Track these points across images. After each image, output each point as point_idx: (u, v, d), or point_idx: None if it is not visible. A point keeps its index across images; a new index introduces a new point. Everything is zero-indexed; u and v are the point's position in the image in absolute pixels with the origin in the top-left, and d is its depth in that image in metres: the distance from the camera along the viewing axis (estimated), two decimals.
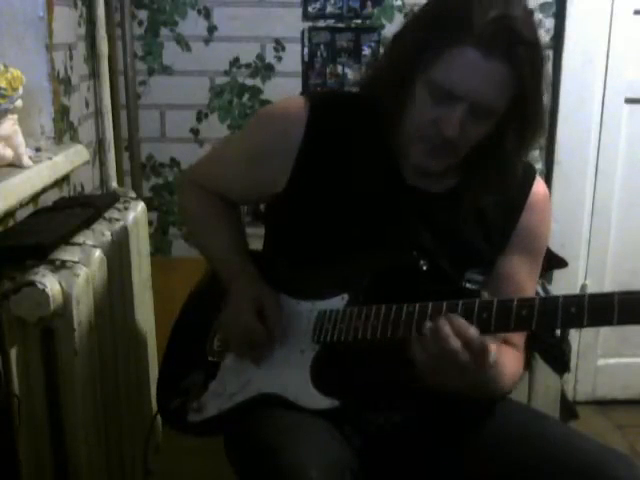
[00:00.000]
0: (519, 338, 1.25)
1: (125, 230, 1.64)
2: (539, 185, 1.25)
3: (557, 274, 2.28)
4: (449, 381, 1.03)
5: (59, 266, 1.27)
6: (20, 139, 1.40)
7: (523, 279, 1.23)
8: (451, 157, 1.16)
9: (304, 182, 1.22)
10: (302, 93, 1.29)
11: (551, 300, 0.98)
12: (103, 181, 2.07)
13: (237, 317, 1.24)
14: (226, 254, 1.33)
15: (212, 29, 2.16)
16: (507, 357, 1.18)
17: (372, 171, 1.19)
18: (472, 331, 0.99)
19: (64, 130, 1.70)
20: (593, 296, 0.95)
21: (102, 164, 2.08)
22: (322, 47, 2.18)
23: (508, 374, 1.16)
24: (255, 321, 1.21)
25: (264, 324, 1.21)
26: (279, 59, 2.19)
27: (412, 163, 1.17)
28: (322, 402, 1.14)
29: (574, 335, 2.34)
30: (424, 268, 1.16)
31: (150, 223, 2.17)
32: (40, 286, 1.20)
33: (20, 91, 1.38)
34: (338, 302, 1.18)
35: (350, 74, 2.19)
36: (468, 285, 1.18)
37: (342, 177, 1.20)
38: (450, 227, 1.19)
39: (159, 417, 1.40)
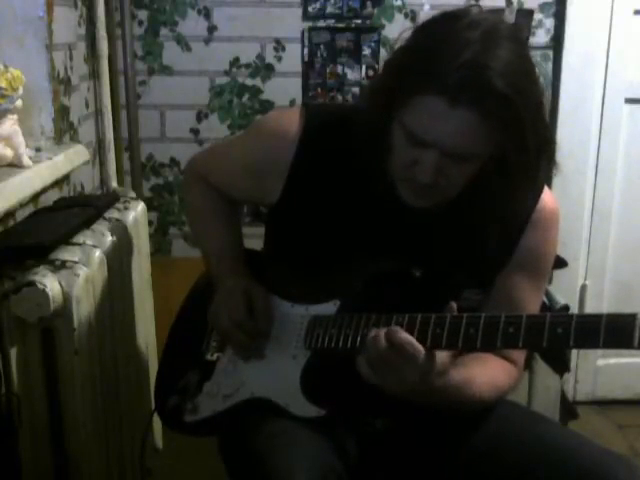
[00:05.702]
0: (518, 355, 1.22)
1: (125, 230, 1.64)
2: (546, 200, 1.18)
3: (557, 274, 2.27)
4: (391, 384, 1.01)
5: (59, 266, 1.27)
6: (20, 139, 1.40)
7: (525, 299, 1.19)
8: (440, 197, 1.10)
9: (297, 197, 1.22)
10: (303, 104, 1.27)
11: (538, 319, 0.95)
12: (103, 181, 2.07)
13: (226, 306, 1.24)
14: (221, 252, 1.34)
15: (212, 29, 2.16)
16: (486, 368, 1.14)
17: (367, 189, 1.16)
18: (402, 334, 0.98)
19: (64, 130, 1.70)
20: (581, 317, 0.92)
21: (102, 164, 2.08)
22: (322, 47, 2.18)
23: (482, 385, 1.12)
24: (244, 311, 1.22)
25: (252, 317, 1.23)
26: (279, 59, 2.19)
27: (403, 198, 1.12)
28: (310, 410, 1.14)
29: None
30: (417, 275, 1.14)
31: (150, 223, 2.17)
32: (40, 286, 1.20)
33: (20, 91, 1.38)
34: (330, 307, 1.18)
35: (350, 74, 2.20)
36: (465, 304, 1.14)
37: (336, 194, 1.19)
38: (447, 244, 1.16)
39: (158, 417, 1.40)
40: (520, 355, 1.23)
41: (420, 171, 1.05)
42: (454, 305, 1.02)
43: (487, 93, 0.96)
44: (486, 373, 1.14)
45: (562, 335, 0.92)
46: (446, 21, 1.03)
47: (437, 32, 1.02)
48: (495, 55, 0.97)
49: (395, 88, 1.04)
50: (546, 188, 1.19)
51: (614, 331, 0.89)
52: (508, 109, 0.98)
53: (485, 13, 1.05)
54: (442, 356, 1.00)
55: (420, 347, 0.98)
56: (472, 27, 0.99)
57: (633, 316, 0.88)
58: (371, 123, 1.10)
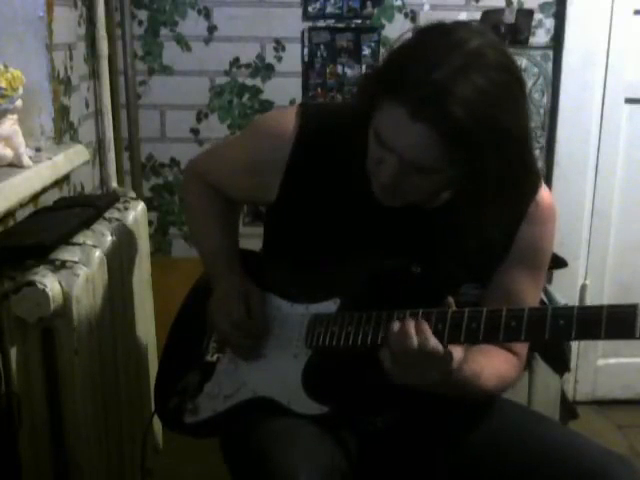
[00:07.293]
0: (521, 347, 1.22)
1: (125, 230, 1.64)
2: (542, 196, 1.18)
3: (557, 274, 2.28)
4: (410, 380, 1.03)
5: (59, 266, 1.27)
6: (20, 139, 1.40)
7: (524, 293, 1.19)
8: (406, 199, 1.11)
9: (294, 195, 1.23)
10: (300, 104, 1.29)
11: (540, 311, 0.97)
12: (103, 181, 2.08)
13: (225, 308, 1.25)
14: (216, 251, 1.35)
15: (212, 29, 2.16)
16: (491, 360, 1.15)
17: (363, 187, 1.16)
18: (433, 340, 0.99)
19: (64, 130, 1.70)
20: (582, 309, 0.93)
21: (102, 164, 2.08)
22: (322, 47, 2.18)
23: (489, 377, 1.14)
24: (244, 312, 1.23)
25: (250, 317, 1.23)
26: (279, 59, 2.19)
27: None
28: (312, 408, 1.15)
29: None
30: (417, 271, 1.15)
31: (150, 223, 2.17)
32: (40, 286, 1.20)
33: (20, 91, 1.38)
34: (330, 306, 1.19)
35: (350, 74, 2.20)
36: (463, 298, 1.15)
37: (333, 192, 1.20)
38: (445, 240, 1.16)
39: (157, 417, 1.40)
40: (523, 347, 1.24)
41: (382, 171, 1.07)
42: (451, 300, 1.03)
43: (443, 117, 0.97)
44: (492, 366, 1.15)
45: (564, 327, 0.93)
46: (437, 33, 1.02)
47: (425, 42, 1.02)
48: (465, 81, 0.96)
49: (375, 87, 1.05)
50: (543, 185, 1.20)
51: (615, 322, 0.89)
52: (462, 136, 0.98)
53: (479, 33, 1.02)
54: (458, 353, 1.02)
55: (442, 348, 1.00)
56: (457, 47, 0.98)
57: (634, 307, 0.88)
58: (357, 120, 1.11)
